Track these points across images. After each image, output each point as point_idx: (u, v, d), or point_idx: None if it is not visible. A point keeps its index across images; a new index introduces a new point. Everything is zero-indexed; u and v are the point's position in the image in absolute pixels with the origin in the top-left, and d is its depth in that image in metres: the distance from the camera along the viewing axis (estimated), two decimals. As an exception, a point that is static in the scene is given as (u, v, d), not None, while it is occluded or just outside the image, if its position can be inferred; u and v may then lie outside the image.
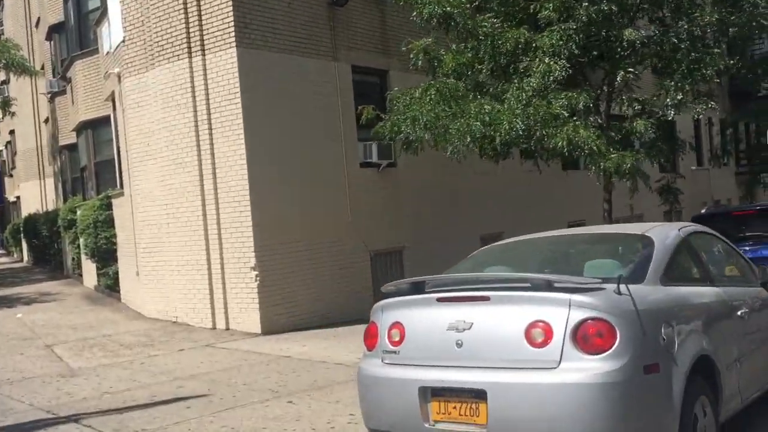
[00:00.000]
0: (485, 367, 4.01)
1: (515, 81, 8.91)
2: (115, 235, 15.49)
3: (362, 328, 11.38)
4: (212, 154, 11.85)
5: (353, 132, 13.36)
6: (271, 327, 11.48)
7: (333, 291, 12.62)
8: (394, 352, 4.44)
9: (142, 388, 7.82)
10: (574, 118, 8.98)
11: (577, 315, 3.83)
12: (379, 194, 13.80)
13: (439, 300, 4.37)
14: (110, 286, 16.11)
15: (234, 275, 11.71)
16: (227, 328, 11.79)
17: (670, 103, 9.64)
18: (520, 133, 8.58)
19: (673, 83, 9.51)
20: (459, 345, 4.11)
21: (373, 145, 13.44)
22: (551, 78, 8.83)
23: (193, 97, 11.92)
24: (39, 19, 25.49)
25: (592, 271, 4.45)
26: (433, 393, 4.18)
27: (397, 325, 4.49)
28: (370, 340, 4.71)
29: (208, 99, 11.79)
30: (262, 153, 11.68)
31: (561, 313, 3.86)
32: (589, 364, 3.75)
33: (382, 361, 4.54)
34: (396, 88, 10.29)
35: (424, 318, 4.37)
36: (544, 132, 8.77)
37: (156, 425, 6.31)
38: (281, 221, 11.86)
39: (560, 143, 8.81)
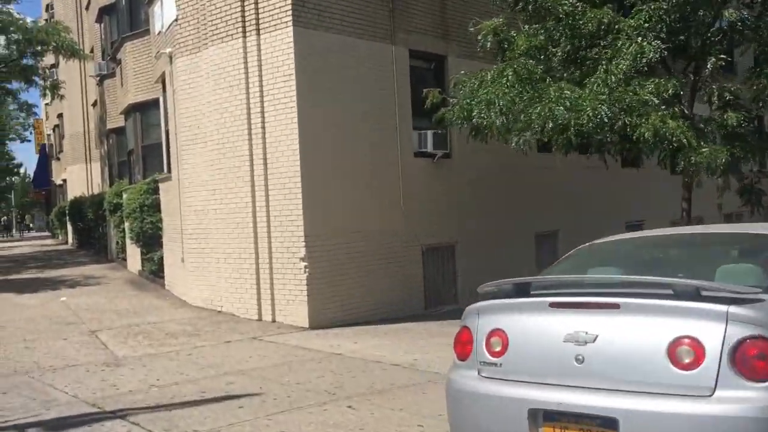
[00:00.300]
0: (615, 389, 3.38)
1: (603, 63, 8.17)
2: (160, 220, 15.20)
3: (414, 326, 10.90)
4: (263, 138, 11.39)
5: (408, 119, 12.78)
6: (319, 321, 11.00)
7: (383, 286, 12.09)
8: (495, 365, 3.85)
9: (190, 383, 7.38)
10: (663, 107, 8.23)
11: (737, 332, 3.18)
12: (432, 186, 13.20)
13: (553, 306, 3.73)
14: (154, 271, 15.84)
15: (282, 266, 11.25)
16: (273, 321, 11.34)
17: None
18: (605, 120, 7.87)
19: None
20: (579, 361, 3.50)
21: (429, 133, 12.85)
22: (644, 60, 8.09)
23: (246, 78, 11.46)
24: (89, 1, 25.42)
25: (727, 277, 3.75)
26: (546, 417, 3.57)
27: (497, 332, 3.90)
28: (462, 347, 4.11)
29: (261, 80, 11.32)
30: (314, 138, 11.18)
31: (715, 328, 3.22)
32: (753, 394, 3.11)
33: (478, 373, 3.94)
34: (462, 72, 9.66)
35: (533, 326, 3.76)
36: (628, 120, 8.04)
37: (208, 426, 5.84)
38: (332, 210, 11.35)
39: (646, 134, 8.08)
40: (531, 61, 8.26)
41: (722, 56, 8.96)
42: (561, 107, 7.70)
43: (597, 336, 3.46)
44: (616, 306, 3.50)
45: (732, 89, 9.20)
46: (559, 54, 8.90)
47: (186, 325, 11.02)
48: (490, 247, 14.34)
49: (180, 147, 12.98)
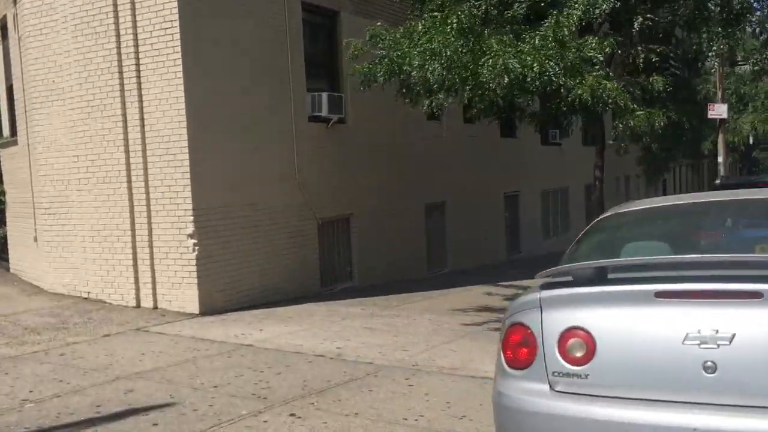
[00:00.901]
0: (763, 407, 2.59)
1: (553, 13, 7.47)
2: (3, 193, 12.93)
3: (316, 308, 9.86)
4: (140, 95, 9.74)
5: (302, 80, 11.58)
6: (211, 306, 9.66)
7: (279, 264, 10.92)
8: (578, 376, 2.92)
9: (76, 394, 5.91)
10: (597, 68, 7.73)
11: None
12: (327, 154, 12.12)
13: (662, 295, 2.84)
14: (-5, 252, 13.55)
15: (165, 244, 9.74)
16: (155, 307, 9.84)
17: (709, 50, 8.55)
18: (553, 78, 7.20)
19: (706, 34, 8.48)
20: (710, 370, 2.69)
21: (324, 96, 11.73)
22: (596, 12, 7.50)
23: (117, 22, 9.72)
24: None
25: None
26: None
27: (578, 332, 2.96)
28: (517, 351, 3.12)
29: (135, 26, 9.64)
30: (203, 97, 9.71)
31: None
32: None
33: (551, 388, 2.99)
34: (379, 23, 8.62)
35: (633, 323, 2.86)
36: (563, 81, 7.44)
37: (119, 456, 4.53)
38: (223, 182, 9.98)
39: (584, 95, 7.55)
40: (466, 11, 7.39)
41: (649, 16, 8.64)
42: (514, 60, 6.92)
43: (734, 335, 2.67)
44: (758, 295, 2.69)
45: (658, 50, 8.93)
46: (490, 7, 8.13)
47: (48, 317, 9.25)
48: (383, 219, 13.55)
49: (29, 106, 10.92)
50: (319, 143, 11.94)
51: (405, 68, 7.64)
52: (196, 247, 9.55)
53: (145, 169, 9.78)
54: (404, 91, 8.97)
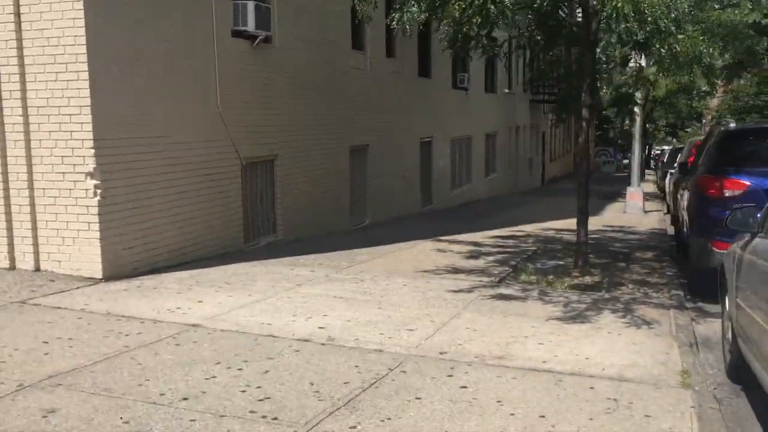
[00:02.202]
0: None
1: None
2: None
3: (252, 269, 8.03)
4: (14, -20, 7.08)
5: (225, -16, 9.23)
6: (117, 267, 7.37)
7: (198, 213, 8.72)
8: None
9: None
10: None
11: None
12: (252, 79, 9.90)
13: None
14: None
15: (53, 185, 7.27)
16: (37, 269, 7.40)
17: None
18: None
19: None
20: None
21: (250, 5, 9.48)
22: None
23: None
24: None
25: None
26: None
27: None
28: None
29: None
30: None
31: None
32: None
33: None
34: None
35: None
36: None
37: None
38: (131, 107, 7.59)
39: (625, 7, 6.04)
40: None
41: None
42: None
43: None
44: None
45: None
46: None
47: None
48: (308, 163, 11.57)
49: None
50: (242, 66, 9.68)
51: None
52: (98, 191, 7.16)
53: (23, 82, 7.18)
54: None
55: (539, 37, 9.20)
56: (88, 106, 7.02)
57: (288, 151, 10.86)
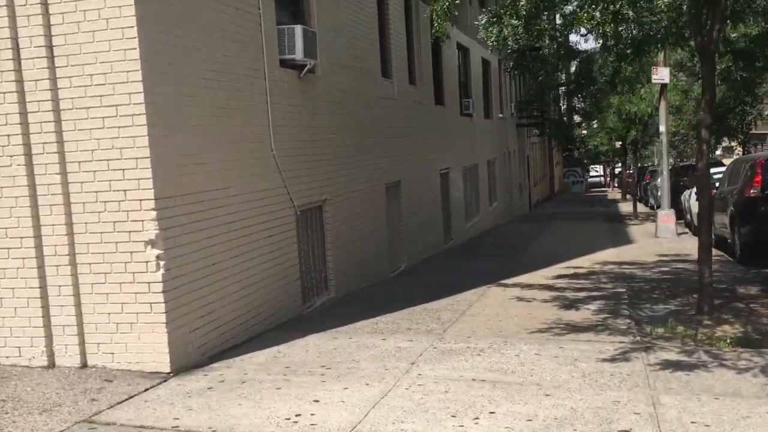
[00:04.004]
0: None
1: None
2: None
3: (340, 345, 6.35)
4: (46, 8, 5.66)
5: (270, 4, 7.92)
6: (186, 356, 5.92)
7: (258, 277, 7.30)
8: None
9: None
10: None
11: None
12: (299, 116, 8.58)
13: None
14: None
15: (102, 261, 5.78)
16: (84, 365, 5.89)
17: None
18: None
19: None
20: None
21: (297, 30, 8.18)
22: None
23: None
24: None
25: None
26: None
27: None
28: None
29: None
30: (156, 19, 5.86)
31: None
32: None
33: None
34: None
35: None
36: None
37: None
38: (188, 156, 6.19)
39: None
40: None
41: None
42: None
43: None
44: None
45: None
46: None
47: None
48: (353, 206, 10.25)
49: None
50: (291, 100, 8.35)
51: None
52: (161, 262, 5.71)
53: (59, 132, 5.73)
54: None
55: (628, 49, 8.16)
56: (147, 158, 5.59)
57: (335, 194, 9.52)
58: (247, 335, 6.91)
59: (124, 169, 5.65)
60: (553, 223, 23.16)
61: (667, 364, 5.70)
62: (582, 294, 9.19)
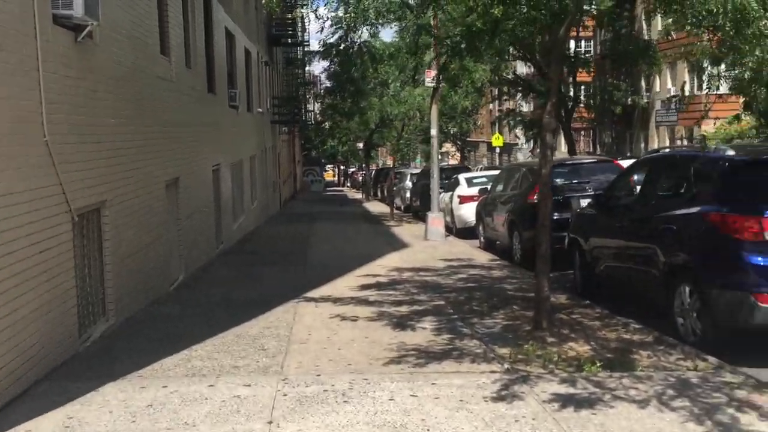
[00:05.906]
0: None
1: None
2: None
3: (145, 395, 4.85)
4: None
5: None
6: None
7: (27, 308, 5.31)
8: None
9: None
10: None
11: None
12: (77, 91, 6.58)
13: None
14: None
15: None
16: None
17: None
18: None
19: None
20: None
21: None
22: None
23: None
24: None
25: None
26: None
27: None
28: None
29: None
30: None
31: None
32: None
33: None
34: None
35: None
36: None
37: None
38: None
39: None
40: None
41: None
42: None
43: None
44: None
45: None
46: None
47: None
48: (135, 209, 8.36)
49: None
50: (68, 71, 6.34)
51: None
52: None
53: None
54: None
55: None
56: None
57: (115, 194, 7.58)
58: (15, 391, 4.91)
59: None
60: (316, 224, 22.40)
61: (562, 399, 5.03)
62: (404, 308, 8.39)
